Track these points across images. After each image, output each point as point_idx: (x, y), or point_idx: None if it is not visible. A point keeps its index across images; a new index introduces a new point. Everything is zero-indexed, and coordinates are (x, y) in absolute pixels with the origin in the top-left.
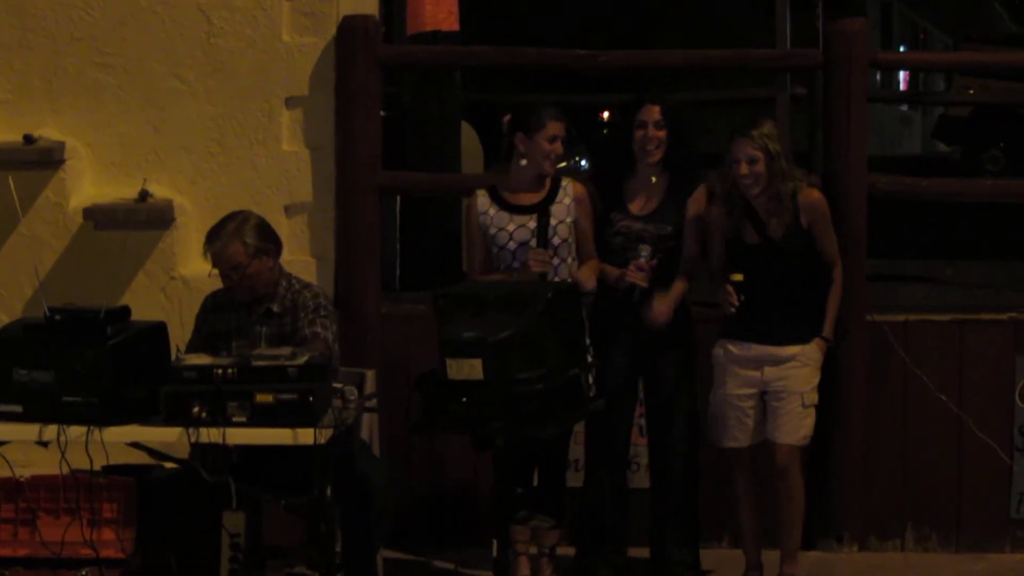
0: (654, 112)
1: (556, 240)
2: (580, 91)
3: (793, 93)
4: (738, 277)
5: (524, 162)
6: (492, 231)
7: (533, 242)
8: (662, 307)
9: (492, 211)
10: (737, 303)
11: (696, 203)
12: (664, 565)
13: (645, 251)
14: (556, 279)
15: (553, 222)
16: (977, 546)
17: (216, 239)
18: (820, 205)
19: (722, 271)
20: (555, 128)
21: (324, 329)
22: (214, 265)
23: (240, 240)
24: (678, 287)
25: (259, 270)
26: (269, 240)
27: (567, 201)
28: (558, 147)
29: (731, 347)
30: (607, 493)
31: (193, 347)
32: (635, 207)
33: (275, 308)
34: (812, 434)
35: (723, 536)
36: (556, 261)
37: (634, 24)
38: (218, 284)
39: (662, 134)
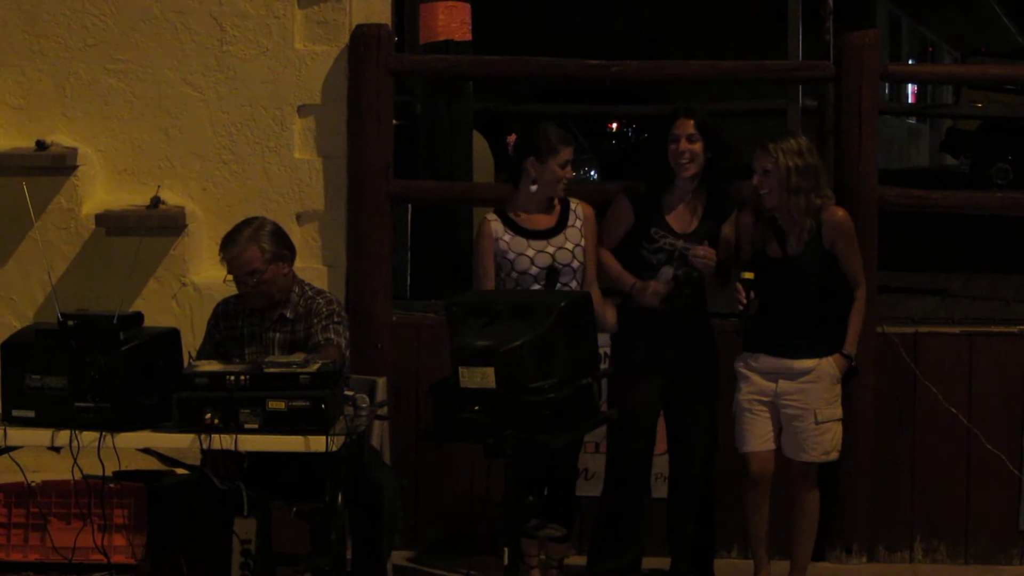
0: (688, 126)
1: (575, 264)
2: (591, 102)
3: (804, 105)
4: (748, 275)
5: (534, 187)
6: (511, 256)
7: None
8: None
9: (508, 237)
10: (746, 300)
11: (730, 227)
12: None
13: (666, 274)
14: None
15: (570, 246)
16: (986, 558)
17: (232, 244)
18: (844, 225)
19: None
20: (567, 153)
21: (337, 335)
22: (229, 271)
23: (257, 245)
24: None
25: (275, 276)
26: (285, 246)
27: (579, 224)
28: (569, 171)
29: (750, 360)
30: (629, 504)
31: (205, 354)
32: (677, 224)
33: (288, 314)
34: (838, 448)
35: (732, 546)
36: (575, 284)
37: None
38: (231, 290)
39: (696, 147)
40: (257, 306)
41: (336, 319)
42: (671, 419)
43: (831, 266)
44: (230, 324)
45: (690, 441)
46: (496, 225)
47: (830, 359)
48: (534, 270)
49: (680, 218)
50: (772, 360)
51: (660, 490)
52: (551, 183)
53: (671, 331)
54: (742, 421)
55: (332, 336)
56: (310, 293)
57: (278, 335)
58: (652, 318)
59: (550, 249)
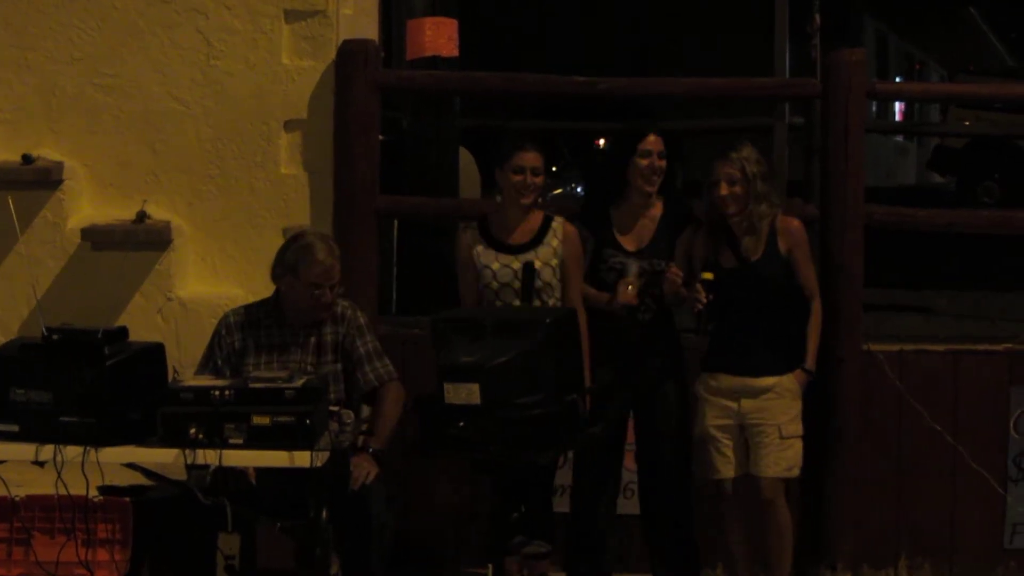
0: (659, 143)
1: (538, 283)
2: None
3: (791, 122)
4: (708, 276)
5: (498, 197)
6: (478, 266)
7: (516, 284)
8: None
9: (479, 248)
10: (706, 300)
11: (685, 243)
12: None
13: (633, 267)
14: None
15: (537, 265)
16: (970, 575)
17: (321, 250)
18: (798, 233)
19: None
20: (524, 159)
21: (378, 344)
22: (315, 279)
23: (336, 256)
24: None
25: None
26: None
27: (555, 243)
28: (529, 179)
29: (709, 380)
30: (598, 519)
31: (212, 366)
32: (628, 243)
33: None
34: (799, 465)
35: (716, 564)
36: (537, 303)
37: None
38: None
39: (663, 164)
40: (322, 319)
41: (370, 331)
42: (642, 438)
43: (788, 273)
44: (246, 333)
45: (663, 459)
46: (470, 234)
47: (790, 376)
48: (495, 284)
49: (632, 237)
50: (732, 379)
51: (636, 507)
52: (511, 190)
53: (639, 351)
54: (708, 450)
55: (388, 365)
56: None
57: (312, 341)
58: (619, 338)
59: (515, 264)
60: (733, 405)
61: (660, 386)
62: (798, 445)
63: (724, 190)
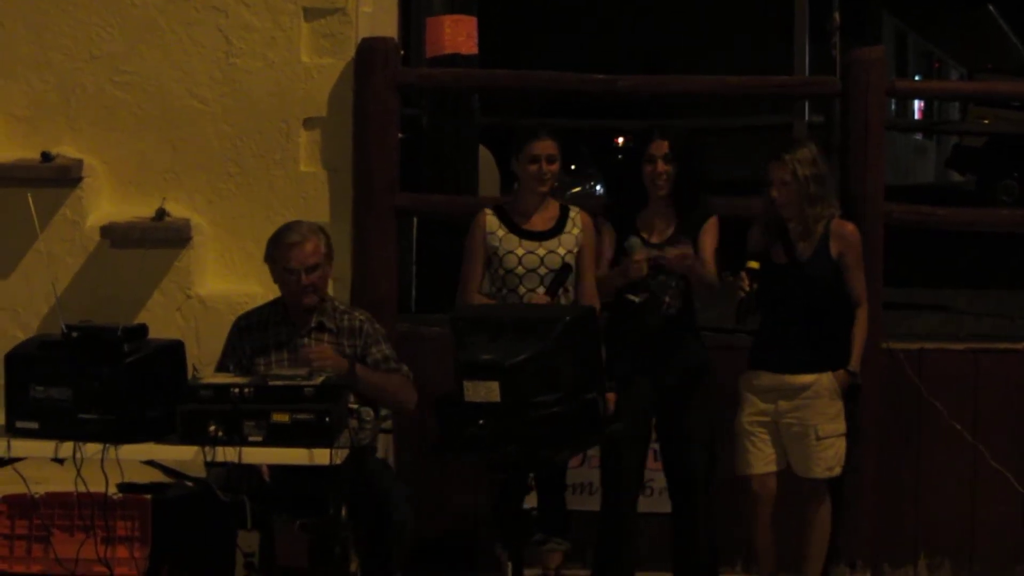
0: (663, 147)
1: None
2: (598, 116)
3: (810, 121)
4: (754, 264)
5: (516, 186)
6: (501, 252)
7: (542, 270)
8: (684, 250)
9: (501, 232)
10: (748, 288)
11: (709, 233)
12: None
13: (633, 244)
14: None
15: (562, 251)
16: (990, 574)
17: (293, 232)
18: (852, 237)
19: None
20: (538, 148)
21: (398, 362)
22: (287, 264)
23: (319, 237)
24: (711, 270)
25: (326, 276)
26: (332, 251)
27: (576, 232)
28: (544, 167)
29: (751, 377)
30: (620, 517)
31: (225, 371)
32: (652, 236)
33: (328, 323)
34: (841, 464)
35: (736, 562)
36: (560, 291)
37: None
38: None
39: (670, 168)
40: (307, 304)
41: (386, 341)
42: (666, 437)
43: (837, 276)
44: (256, 336)
45: (689, 459)
46: (491, 219)
47: (829, 374)
48: (520, 270)
49: (654, 231)
50: (771, 376)
51: (663, 505)
52: (527, 179)
53: (661, 348)
54: (743, 445)
55: (403, 365)
56: (341, 307)
57: (313, 343)
58: (642, 335)
59: (541, 251)
60: (770, 407)
61: (684, 385)
62: (839, 444)
63: (775, 192)
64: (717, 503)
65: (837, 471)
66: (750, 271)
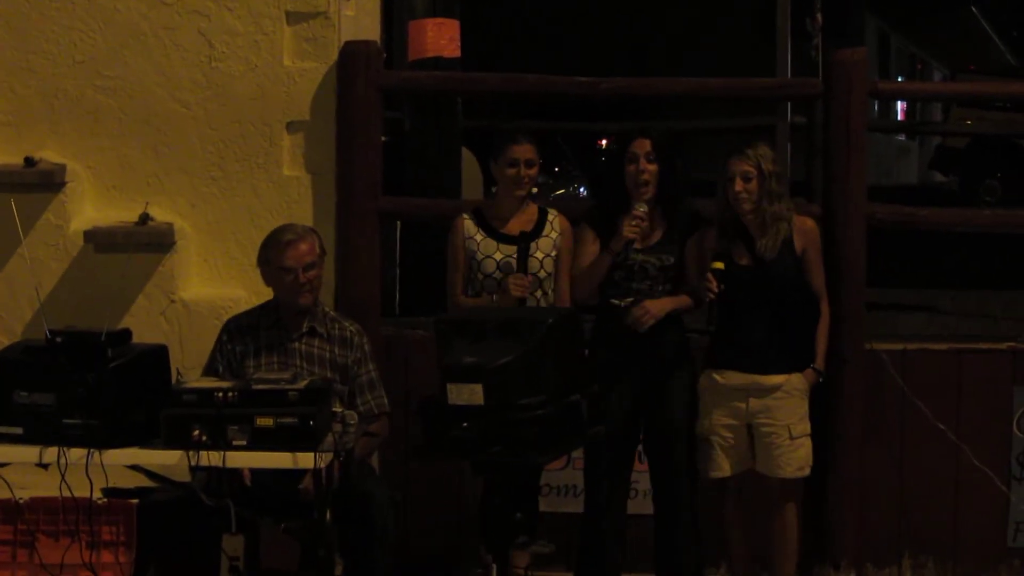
0: (645, 145)
1: (542, 274)
2: (583, 119)
3: (793, 122)
4: (719, 264)
5: (494, 190)
6: (479, 257)
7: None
8: (653, 306)
9: (479, 237)
10: (717, 290)
11: (693, 246)
12: None
13: (641, 207)
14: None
15: (539, 255)
16: (974, 574)
17: (288, 232)
18: (813, 233)
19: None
20: (517, 152)
21: (382, 393)
22: (282, 261)
23: (314, 237)
24: (681, 299)
25: (321, 277)
26: (324, 252)
27: (553, 235)
28: (523, 171)
29: (716, 377)
30: (605, 519)
31: (214, 373)
32: (637, 241)
33: (319, 328)
34: (810, 464)
35: (721, 563)
36: (539, 294)
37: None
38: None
39: (654, 168)
40: (302, 305)
41: (373, 359)
42: (649, 435)
43: (801, 273)
44: (245, 339)
45: (675, 458)
46: (468, 223)
47: (799, 375)
48: (498, 274)
49: (640, 235)
50: (741, 376)
51: (645, 506)
52: (505, 182)
53: (645, 350)
54: (712, 448)
55: (383, 397)
56: (332, 314)
57: (303, 347)
58: (626, 338)
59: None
60: (741, 405)
61: (667, 382)
62: (808, 444)
63: (739, 186)
64: (699, 502)
65: (807, 471)
66: (716, 271)
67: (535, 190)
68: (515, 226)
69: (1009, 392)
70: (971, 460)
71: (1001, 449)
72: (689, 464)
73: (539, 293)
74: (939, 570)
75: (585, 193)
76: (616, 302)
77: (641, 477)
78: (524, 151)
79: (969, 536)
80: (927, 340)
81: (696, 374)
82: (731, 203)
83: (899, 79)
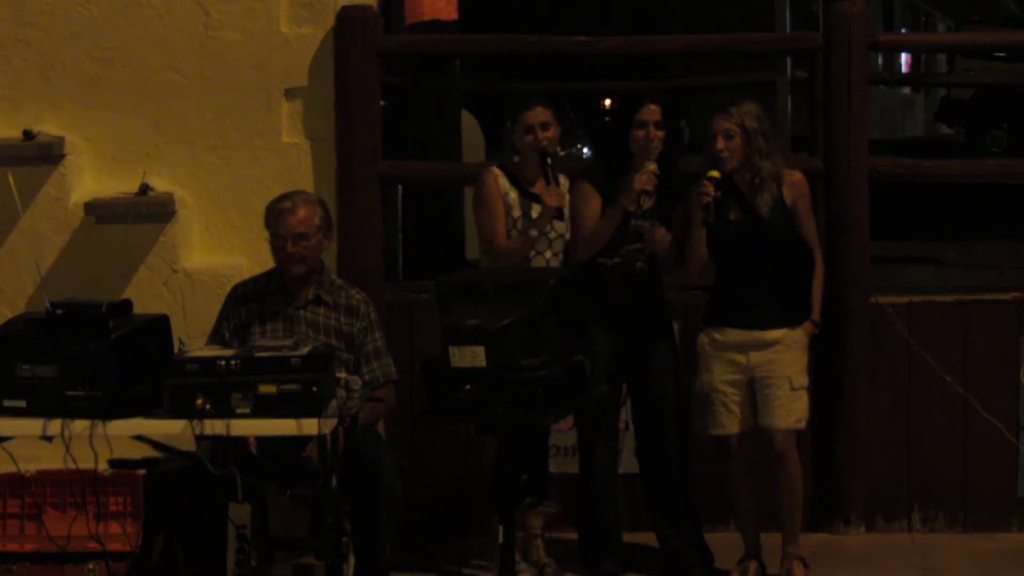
0: (655, 112)
1: (552, 235)
2: (581, 78)
3: (793, 77)
4: (715, 173)
5: (516, 158)
6: (515, 215)
7: (552, 234)
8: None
9: (513, 195)
10: (713, 195)
11: (680, 214)
12: (671, 551)
13: (652, 164)
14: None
15: (567, 213)
16: (984, 526)
17: (286, 200)
18: (801, 185)
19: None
20: (531, 118)
21: (389, 359)
22: (276, 229)
23: (313, 207)
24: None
25: (318, 247)
26: (331, 224)
27: (565, 191)
28: (540, 135)
29: (715, 334)
30: (601, 476)
31: (220, 338)
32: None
33: (326, 297)
34: (807, 416)
35: (728, 520)
36: (550, 254)
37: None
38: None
39: (662, 134)
40: (294, 274)
41: (379, 327)
42: (637, 397)
43: (794, 226)
44: (251, 305)
45: (662, 418)
46: (503, 180)
47: (799, 328)
48: (534, 232)
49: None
50: (740, 332)
51: (628, 465)
52: (525, 148)
53: (629, 309)
54: (711, 404)
55: (381, 345)
56: (338, 282)
57: (309, 314)
58: (608, 297)
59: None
60: (742, 359)
61: (653, 344)
62: (806, 397)
63: (720, 144)
64: (700, 462)
65: (804, 424)
66: (712, 179)
67: (560, 151)
68: (540, 188)
69: (1015, 343)
70: (979, 412)
71: (1008, 400)
72: (679, 425)
73: (549, 254)
74: (949, 522)
75: (589, 153)
76: (604, 261)
77: (625, 436)
78: (537, 115)
79: (978, 487)
80: (933, 292)
81: (674, 333)
82: (716, 160)
83: (903, 31)
